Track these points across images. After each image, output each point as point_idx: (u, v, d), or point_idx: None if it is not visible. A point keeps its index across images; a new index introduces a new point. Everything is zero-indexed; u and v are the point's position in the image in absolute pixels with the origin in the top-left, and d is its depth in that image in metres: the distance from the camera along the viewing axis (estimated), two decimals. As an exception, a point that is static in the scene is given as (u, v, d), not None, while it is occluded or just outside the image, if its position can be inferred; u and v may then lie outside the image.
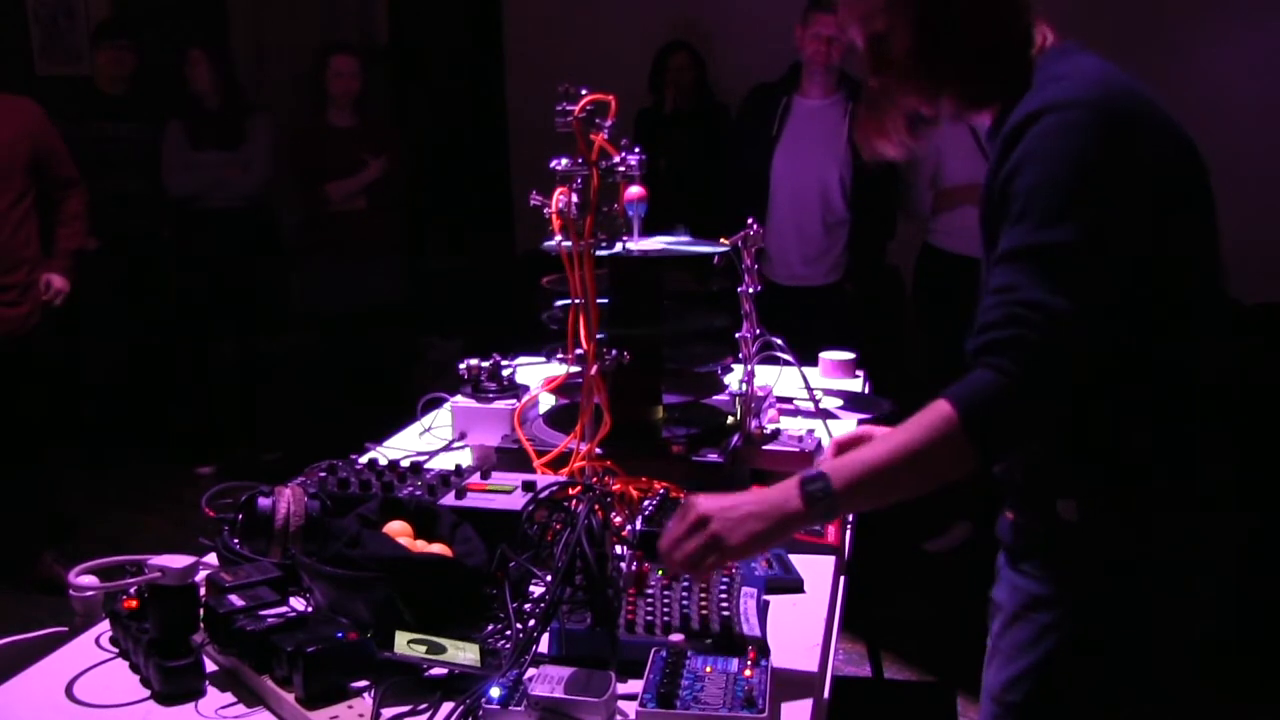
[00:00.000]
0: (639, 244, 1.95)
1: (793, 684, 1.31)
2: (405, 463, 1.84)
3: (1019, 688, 1.41)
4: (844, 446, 1.74)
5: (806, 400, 2.10)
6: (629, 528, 1.61)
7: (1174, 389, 1.33)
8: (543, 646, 1.32)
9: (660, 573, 1.44)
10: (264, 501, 1.52)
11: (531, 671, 1.25)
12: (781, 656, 1.34)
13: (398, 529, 1.51)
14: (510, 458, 1.91)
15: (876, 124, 1.47)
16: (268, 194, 5.10)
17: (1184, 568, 1.36)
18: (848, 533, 1.79)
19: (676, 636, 1.32)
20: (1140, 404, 1.32)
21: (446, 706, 1.20)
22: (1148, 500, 1.34)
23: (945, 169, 3.96)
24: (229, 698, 1.29)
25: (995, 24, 1.36)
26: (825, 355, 2.63)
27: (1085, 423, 1.32)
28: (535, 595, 1.46)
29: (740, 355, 1.94)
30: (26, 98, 3.79)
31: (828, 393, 2.35)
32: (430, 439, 2.18)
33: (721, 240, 1.94)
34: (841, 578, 1.64)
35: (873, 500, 1.32)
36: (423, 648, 1.26)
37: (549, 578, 1.39)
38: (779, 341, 1.96)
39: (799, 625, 1.45)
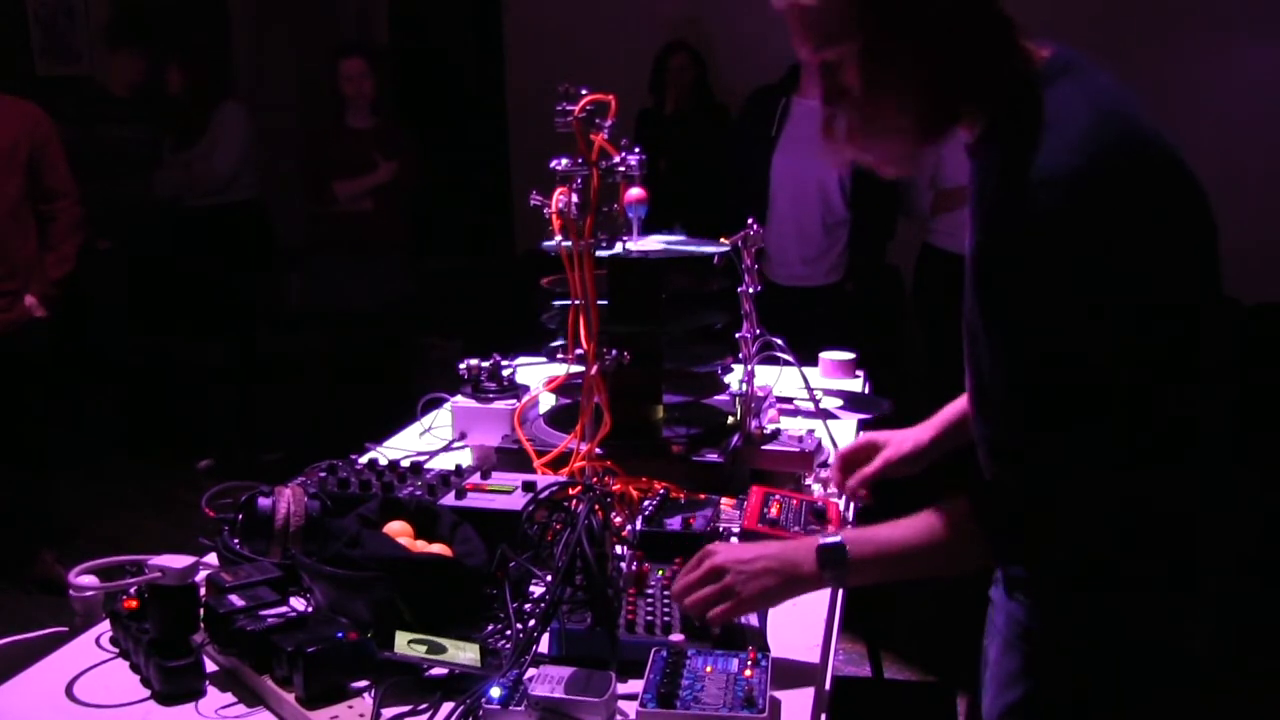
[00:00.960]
0: (639, 244, 1.95)
1: (793, 675, 1.31)
2: (405, 463, 1.84)
3: (1015, 718, 1.39)
4: (847, 459, 1.75)
5: (806, 400, 2.10)
6: (629, 528, 1.61)
7: (1171, 418, 1.27)
8: (543, 646, 1.32)
9: (660, 573, 1.44)
10: (264, 501, 1.52)
11: (531, 671, 1.25)
12: (782, 656, 1.34)
13: (398, 529, 1.51)
14: (510, 458, 1.91)
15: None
16: (262, 194, 5.11)
17: (1176, 589, 1.33)
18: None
19: (676, 636, 1.32)
20: (1136, 436, 1.27)
21: (446, 706, 1.20)
22: (1139, 520, 1.30)
23: (944, 169, 3.96)
24: (229, 698, 1.29)
25: (962, 47, 1.25)
26: (825, 355, 2.63)
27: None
28: (535, 595, 1.46)
29: (740, 355, 1.94)
30: (31, 102, 3.78)
31: (828, 393, 2.35)
32: (430, 439, 2.18)
33: (721, 240, 1.94)
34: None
35: (886, 576, 1.34)
36: (423, 648, 1.26)
37: (549, 578, 1.39)
38: (779, 341, 1.96)
39: (799, 625, 1.45)
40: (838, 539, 1.32)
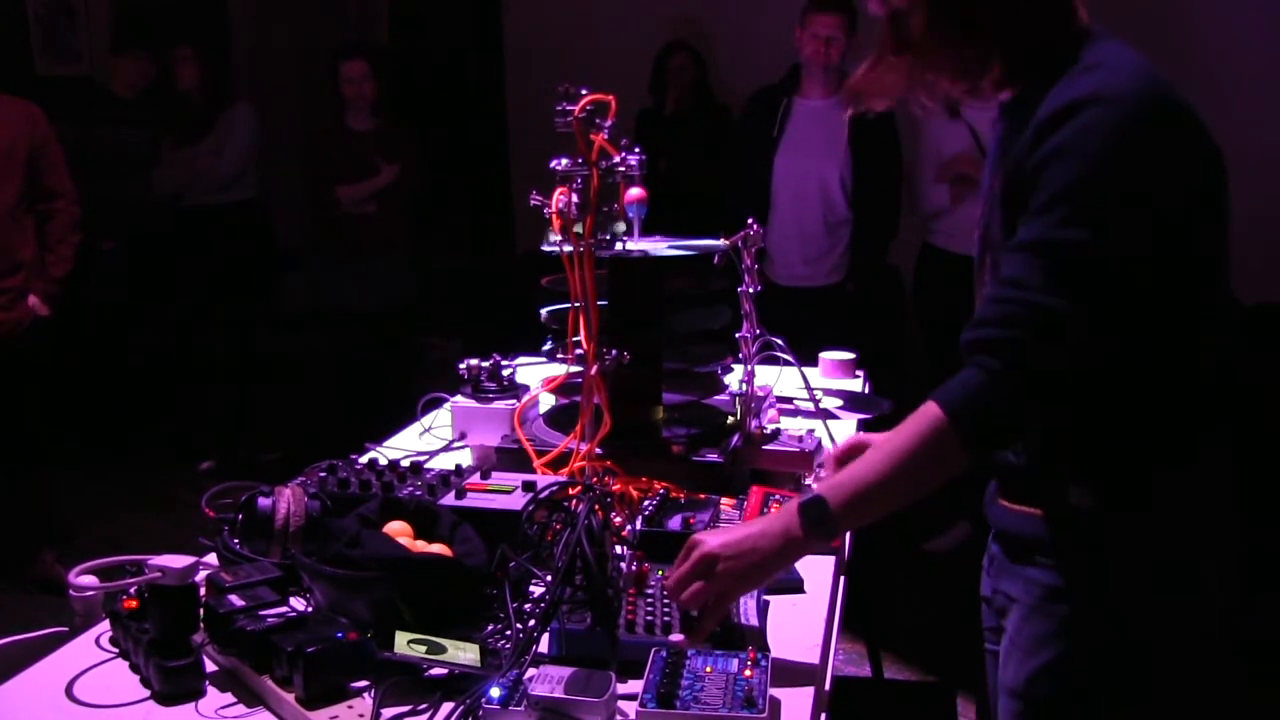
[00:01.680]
0: (639, 244, 1.95)
1: (793, 675, 1.31)
2: (405, 463, 1.84)
3: (1045, 681, 1.38)
4: (842, 459, 1.75)
5: (806, 400, 2.10)
6: (629, 528, 1.61)
7: (1180, 381, 1.32)
8: (543, 646, 1.32)
9: (660, 573, 1.44)
10: (264, 501, 1.52)
11: (531, 671, 1.25)
12: (782, 656, 1.34)
13: (398, 529, 1.51)
14: (510, 458, 1.91)
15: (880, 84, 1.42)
16: (262, 193, 5.10)
17: (1201, 552, 1.35)
18: (848, 533, 1.79)
19: (677, 636, 1.32)
20: (1147, 391, 1.31)
21: (446, 706, 1.20)
22: (1162, 483, 1.33)
23: (944, 145, 3.95)
24: (229, 698, 1.29)
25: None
26: (825, 355, 2.63)
27: (1094, 410, 1.32)
28: (535, 595, 1.46)
29: (740, 355, 1.94)
30: (29, 101, 3.78)
31: (828, 393, 2.35)
32: (430, 439, 2.18)
33: (722, 240, 1.94)
34: (841, 578, 1.64)
35: (873, 513, 1.34)
36: (423, 648, 1.26)
37: (549, 578, 1.39)
38: (779, 341, 1.96)
39: (799, 625, 1.45)
40: (815, 494, 1.32)
